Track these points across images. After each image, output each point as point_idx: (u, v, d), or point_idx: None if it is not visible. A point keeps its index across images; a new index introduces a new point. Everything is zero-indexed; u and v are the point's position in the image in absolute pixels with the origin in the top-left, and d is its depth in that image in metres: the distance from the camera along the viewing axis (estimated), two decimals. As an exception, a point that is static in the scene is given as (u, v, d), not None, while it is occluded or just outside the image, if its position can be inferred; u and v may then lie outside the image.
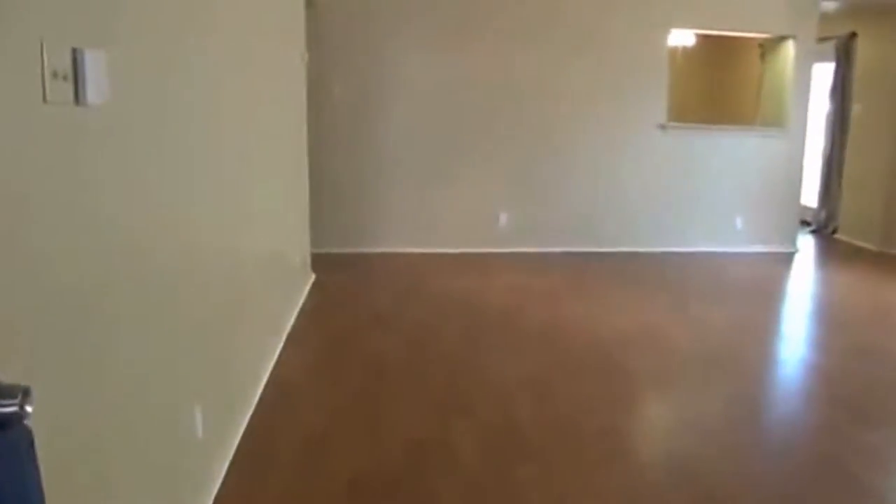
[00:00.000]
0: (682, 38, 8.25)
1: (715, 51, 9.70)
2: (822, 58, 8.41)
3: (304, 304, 5.50)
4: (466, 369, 4.32)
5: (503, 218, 7.51)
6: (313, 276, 6.22)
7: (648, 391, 4.21)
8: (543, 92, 7.36)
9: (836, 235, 9.14)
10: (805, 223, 8.99)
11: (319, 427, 3.52)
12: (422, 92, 7.19)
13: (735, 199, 7.88)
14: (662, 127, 7.56)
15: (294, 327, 4.95)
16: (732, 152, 7.81)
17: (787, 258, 7.92)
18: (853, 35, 8.66)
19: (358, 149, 7.19)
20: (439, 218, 7.44)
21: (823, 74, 8.82)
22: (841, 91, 8.92)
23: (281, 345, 4.55)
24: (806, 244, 8.56)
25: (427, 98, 7.21)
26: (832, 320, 5.71)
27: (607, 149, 7.56)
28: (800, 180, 8.09)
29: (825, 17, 7.89)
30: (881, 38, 8.37)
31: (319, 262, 6.45)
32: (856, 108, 8.77)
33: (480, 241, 7.49)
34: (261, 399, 3.77)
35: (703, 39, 8.82)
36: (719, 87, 10.07)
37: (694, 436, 3.57)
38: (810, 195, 9.11)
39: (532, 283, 6.37)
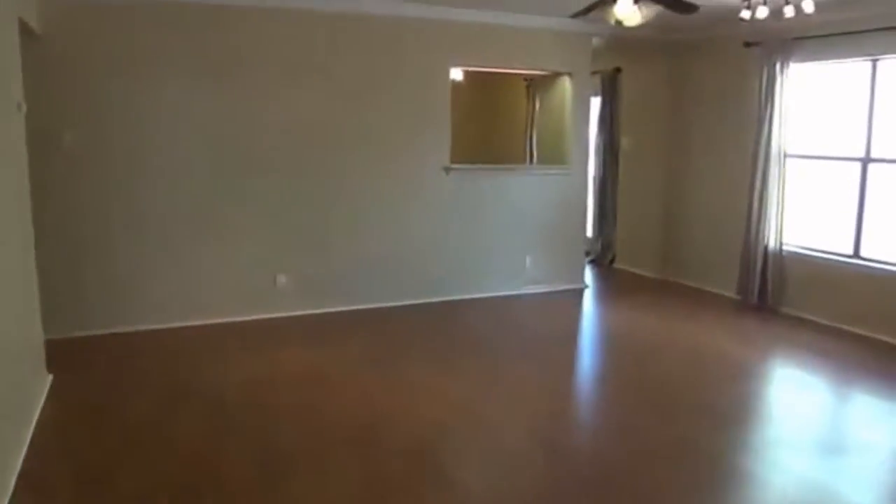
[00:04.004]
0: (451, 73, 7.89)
1: (483, 87, 9.52)
2: (592, 92, 8.45)
3: (37, 432, 4.15)
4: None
5: (281, 278, 6.62)
6: (50, 379, 4.92)
7: None
8: (323, 136, 6.61)
9: (614, 265, 9.27)
10: (584, 253, 9.00)
11: None
12: (181, 137, 6.12)
13: (523, 239, 7.63)
14: (447, 169, 7.10)
15: (24, 472, 3.65)
16: (517, 191, 7.55)
17: (579, 295, 7.81)
18: (618, 70, 8.82)
19: (101, 206, 5.96)
20: (207, 283, 6.38)
21: (592, 108, 8.89)
22: (609, 124, 9.07)
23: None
24: (589, 276, 8.51)
25: (188, 144, 6.15)
26: (649, 373, 5.42)
27: (393, 195, 6.96)
28: (584, 215, 8.07)
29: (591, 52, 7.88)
30: (643, 72, 8.59)
31: (59, 354, 5.16)
32: (624, 141, 8.94)
33: (257, 306, 6.54)
34: None
35: (470, 76, 8.57)
36: (488, 124, 9.93)
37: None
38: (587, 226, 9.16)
39: (325, 360, 5.52)
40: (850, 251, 6.49)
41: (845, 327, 6.38)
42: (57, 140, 5.74)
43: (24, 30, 4.76)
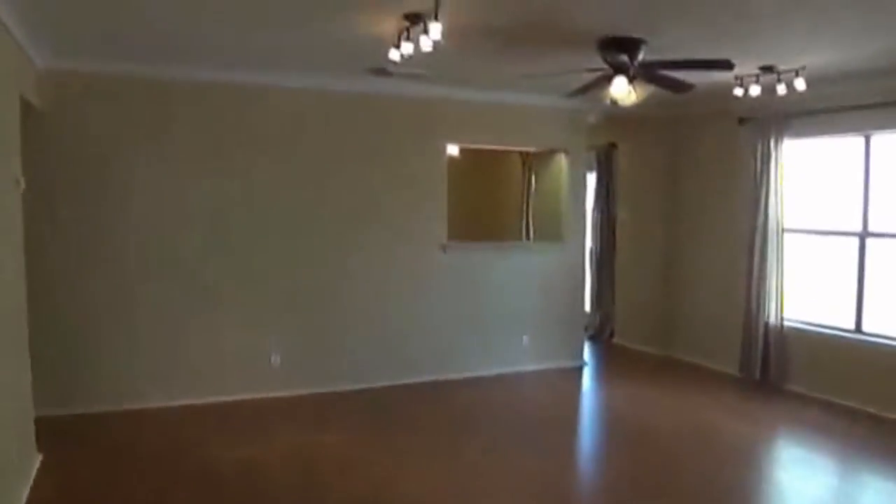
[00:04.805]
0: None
1: (478, 162, 9.56)
2: (587, 167, 8.49)
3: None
4: None
5: (276, 357, 6.50)
6: (40, 458, 4.75)
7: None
8: (318, 214, 6.60)
9: (614, 340, 9.15)
10: (583, 329, 8.90)
11: None
12: (177, 215, 6.12)
13: (521, 316, 7.53)
14: (444, 247, 7.07)
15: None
16: (514, 268, 7.50)
17: (578, 373, 7.68)
18: (613, 145, 8.90)
19: (96, 283, 5.89)
20: (201, 362, 6.25)
21: (588, 182, 8.93)
22: (606, 198, 9.09)
23: None
24: (588, 353, 8.35)
25: (183, 222, 6.14)
26: (651, 457, 5.23)
27: (390, 273, 6.91)
28: (582, 291, 7.99)
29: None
30: (639, 148, 8.66)
31: (51, 432, 5.00)
32: (621, 216, 8.95)
33: (251, 385, 6.39)
34: None
35: (466, 151, 8.62)
36: (485, 198, 9.94)
37: None
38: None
39: (323, 443, 5.35)
40: (852, 326, 6.40)
41: (850, 404, 6.23)
42: (53, 215, 5.72)
43: (24, 105, 4.78)
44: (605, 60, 4.75)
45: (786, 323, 6.87)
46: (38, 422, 4.85)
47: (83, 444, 5.21)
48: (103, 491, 4.43)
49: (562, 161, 7.82)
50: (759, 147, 6.87)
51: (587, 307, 8.98)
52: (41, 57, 5.36)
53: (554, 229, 7.96)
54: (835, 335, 6.51)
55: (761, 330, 6.93)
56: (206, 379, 6.28)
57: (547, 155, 8.15)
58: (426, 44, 4.08)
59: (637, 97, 4.92)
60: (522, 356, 7.55)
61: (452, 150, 7.62)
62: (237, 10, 4.33)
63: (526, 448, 5.37)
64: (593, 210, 9.15)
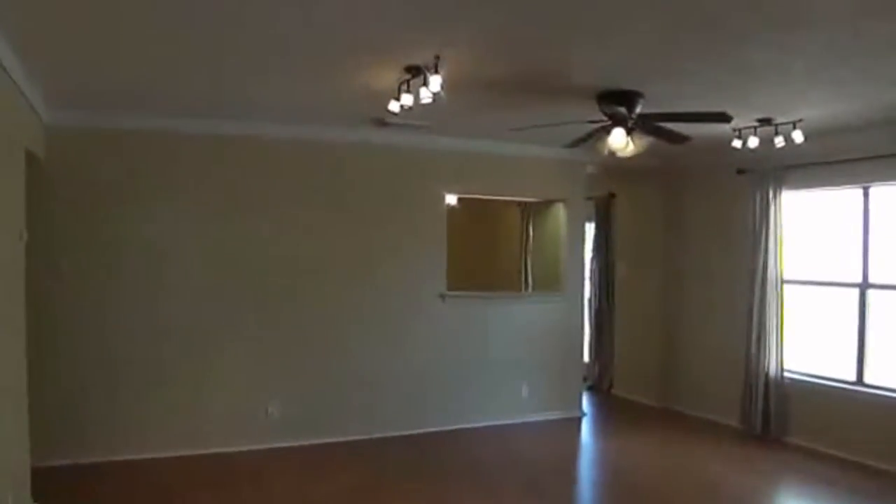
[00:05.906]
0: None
1: (477, 211, 9.59)
2: (586, 217, 8.50)
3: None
4: None
5: (272, 409, 6.42)
6: (34, 510, 4.70)
7: None
8: (317, 265, 6.59)
9: (613, 391, 9.07)
10: (582, 379, 8.83)
11: None
12: (175, 266, 6.11)
13: (519, 367, 7.47)
14: (443, 296, 7.05)
15: None
16: (513, 318, 7.47)
17: (577, 424, 7.59)
18: (612, 195, 8.93)
19: (94, 335, 5.86)
20: (199, 414, 6.18)
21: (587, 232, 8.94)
22: (604, 248, 9.09)
23: None
24: (587, 404, 8.25)
25: (181, 273, 6.13)
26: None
27: (388, 324, 6.87)
28: (581, 342, 7.96)
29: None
30: (637, 198, 8.69)
31: (46, 482, 4.93)
32: (620, 266, 8.94)
33: (248, 437, 6.31)
34: None
35: (465, 200, 8.66)
36: (483, 248, 9.95)
37: None
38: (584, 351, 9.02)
39: (319, 495, 5.25)
40: (854, 378, 6.33)
41: (853, 457, 6.12)
42: (55, 267, 5.71)
43: (29, 158, 4.81)
44: (604, 112, 4.78)
45: (786, 374, 6.80)
46: (34, 472, 4.79)
47: (78, 495, 5.13)
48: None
49: (560, 211, 7.85)
50: (758, 198, 6.89)
51: (586, 358, 8.94)
52: (47, 111, 5.41)
53: (552, 279, 7.95)
54: (836, 387, 6.44)
55: (762, 382, 6.85)
56: (202, 430, 6.20)
57: (545, 205, 8.19)
58: (426, 95, 4.12)
59: (635, 148, 4.95)
60: (521, 407, 7.47)
61: (451, 199, 7.65)
62: (241, 66, 4.38)
63: (526, 500, 5.28)
64: (592, 260, 9.15)
